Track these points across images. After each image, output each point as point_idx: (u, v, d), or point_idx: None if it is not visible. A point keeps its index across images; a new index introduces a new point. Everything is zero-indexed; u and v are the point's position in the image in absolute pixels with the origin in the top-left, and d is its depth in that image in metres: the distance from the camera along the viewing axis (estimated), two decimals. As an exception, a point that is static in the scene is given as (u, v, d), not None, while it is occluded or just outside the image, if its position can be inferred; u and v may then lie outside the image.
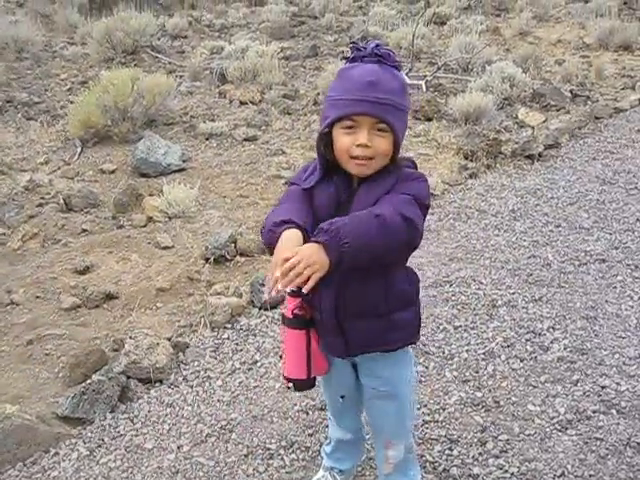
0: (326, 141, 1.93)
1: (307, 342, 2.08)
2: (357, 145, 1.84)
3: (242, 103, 7.71)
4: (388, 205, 1.84)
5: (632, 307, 3.75)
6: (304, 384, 2.15)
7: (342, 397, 2.30)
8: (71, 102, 7.41)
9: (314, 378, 2.16)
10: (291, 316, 2.07)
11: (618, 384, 3.09)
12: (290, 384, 2.16)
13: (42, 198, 5.17)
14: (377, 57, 1.86)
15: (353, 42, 1.94)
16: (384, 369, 2.14)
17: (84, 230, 4.72)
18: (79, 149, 6.24)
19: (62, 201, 5.08)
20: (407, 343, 2.12)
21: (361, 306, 1.99)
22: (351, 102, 1.83)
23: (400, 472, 2.31)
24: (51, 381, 3.18)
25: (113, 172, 5.78)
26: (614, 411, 2.92)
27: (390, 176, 1.93)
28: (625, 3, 14.78)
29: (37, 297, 3.85)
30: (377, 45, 1.88)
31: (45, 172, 5.75)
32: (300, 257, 1.72)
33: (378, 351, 2.08)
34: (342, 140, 1.87)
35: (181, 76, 8.92)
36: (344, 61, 1.95)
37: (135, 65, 8.82)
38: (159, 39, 10.59)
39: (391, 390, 2.18)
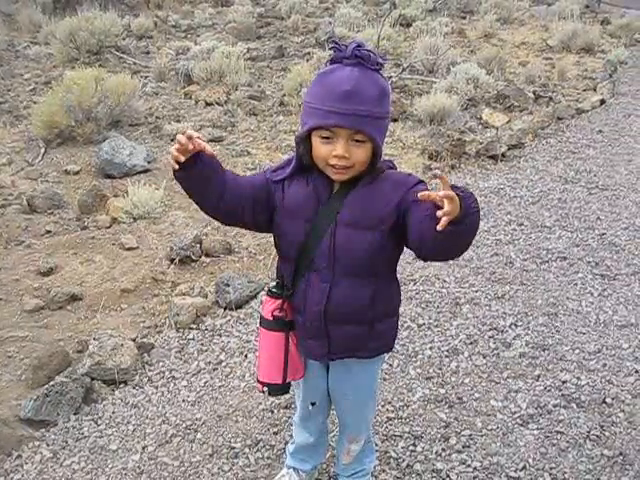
0: (305, 144, 1.89)
1: (286, 345, 2.08)
2: (334, 155, 1.82)
3: (208, 104, 7.69)
4: None
5: (592, 303, 3.83)
6: (279, 389, 2.16)
7: (313, 404, 2.31)
8: (34, 102, 7.33)
9: (289, 383, 2.17)
10: (270, 318, 2.06)
11: (578, 379, 3.15)
12: (265, 388, 2.15)
13: (5, 199, 5.10)
14: (357, 59, 1.79)
15: (335, 42, 1.85)
16: (356, 375, 2.17)
17: (48, 231, 4.67)
18: (42, 150, 6.17)
19: (25, 202, 5.02)
20: (383, 351, 2.15)
21: (348, 311, 1.98)
22: (327, 113, 1.78)
23: (357, 460, 2.42)
24: (13, 384, 3.15)
25: (77, 173, 5.72)
26: (574, 405, 2.98)
27: (382, 182, 1.92)
28: (587, 7, 15.05)
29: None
30: (358, 46, 1.80)
31: (8, 173, 5.67)
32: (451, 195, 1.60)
33: (356, 357, 2.09)
34: (319, 149, 1.84)
35: (146, 77, 8.86)
36: (326, 62, 1.88)
37: (99, 65, 8.71)
38: (124, 39, 10.50)
39: (359, 394, 2.23)
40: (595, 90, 9.00)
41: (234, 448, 2.75)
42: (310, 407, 2.31)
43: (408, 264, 4.21)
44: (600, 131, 7.27)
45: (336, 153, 1.81)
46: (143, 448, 2.78)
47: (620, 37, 12.25)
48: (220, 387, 3.15)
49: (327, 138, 1.82)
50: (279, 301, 2.05)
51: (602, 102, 8.42)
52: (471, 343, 3.44)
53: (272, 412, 2.95)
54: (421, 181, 1.95)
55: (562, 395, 3.04)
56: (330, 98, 1.78)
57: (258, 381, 2.18)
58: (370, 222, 1.90)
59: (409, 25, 12.79)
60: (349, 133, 1.80)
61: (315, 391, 2.28)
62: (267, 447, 2.75)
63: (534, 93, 8.57)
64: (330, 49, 1.85)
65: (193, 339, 3.53)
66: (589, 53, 11.25)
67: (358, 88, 1.77)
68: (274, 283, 2.10)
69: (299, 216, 1.96)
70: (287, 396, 2.91)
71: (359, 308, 1.99)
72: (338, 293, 1.96)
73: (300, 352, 2.14)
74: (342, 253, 1.93)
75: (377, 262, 1.97)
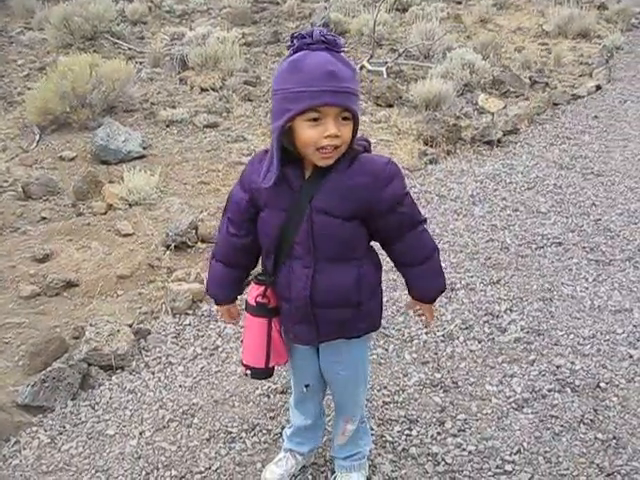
0: (287, 134, 1.86)
1: (268, 330, 2.11)
2: (326, 136, 1.81)
3: (203, 90, 7.65)
4: (410, 233, 2.02)
5: (587, 288, 3.85)
6: (262, 372, 2.20)
7: (306, 386, 2.33)
8: (29, 88, 7.28)
9: (272, 367, 2.20)
10: (254, 303, 2.10)
11: (573, 363, 3.17)
12: (248, 371, 2.20)
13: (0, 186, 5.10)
14: (324, 44, 1.81)
15: (296, 32, 1.87)
16: (346, 354, 2.19)
17: (43, 218, 4.66)
18: (37, 136, 6.14)
19: (20, 189, 5.01)
20: (371, 330, 2.16)
21: (335, 296, 2.00)
22: (316, 93, 1.77)
23: (352, 442, 2.44)
24: (11, 370, 3.15)
25: (72, 159, 5.70)
26: (568, 389, 3.00)
27: (356, 171, 1.91)
28: (583, -9, 14.99)
29: (-5, 286, 3.81)
30: (321, 32, 1.82)
31: (2, 160, 5.65)
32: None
33: (344, 338, 2.11)
34: (308, 133, 1.81)
35: (141, 62, 8.81)
36: (290, 51, 1.87)
37: (94, 51, 8.66)
38: (118, 25, 10.41)
39: (351, 373, 2.24)
40: (591, 76, 9.00)
41: (231, 433, 2.77)
42: (304, 389, 2.33)
43: (404, 250, 4.21)
44: (596, 117, 7.28)
45: (329, 133, 1.80)
46: (140, 433, 2.79)
47: (616, 22, 12.23)
48: (217, 372, 3.16)
49: (315, 120, 1.81)
50: (262, 287, 2.08)
51: (598, 88, 8.42)
52: (466, 328, 3.46)
53: (269, 397, 2.97)
54: (395, 174, 1.96)
55: (556, 379, 3.06)
56: (316, 79, 1.77)
57: (242, 363, 2.23)
58: (343, 213, 1.92)
59: (405, 10, 12.75)
60: (337, 111, 1.81)
61: (307, 373, 2.31)
62: (264, 432, 2.77)
63: (530, 79, 8.57)
64: (294, 38, 1.84)
65: (189, 325, 3.54)
66: (585, 38, 11.24)
67: (338, 67, 1.80)
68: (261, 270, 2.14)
69: (274, 206, 1.97)
70: (283, 381, 2.95)
71: (345, 291, 2.01)
72: (322, 279, 1.98)
73: (288, 338, 2.17)
74: (321, 239, 1.95)
75: (358, 245, 2.00)
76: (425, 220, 2.07)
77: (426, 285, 2.12)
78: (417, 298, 2.16)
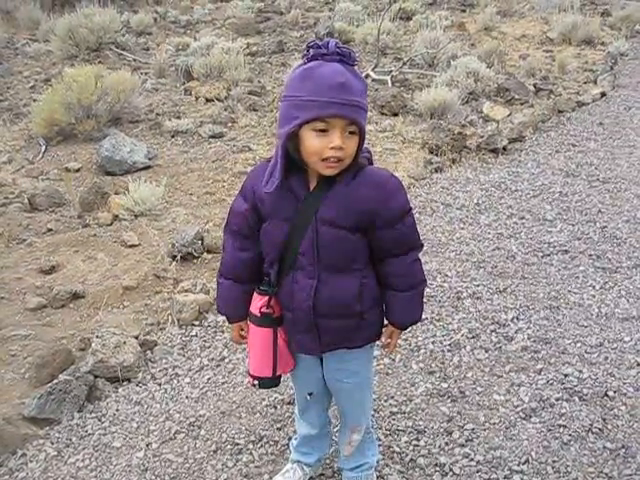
0: (293, 141, 1.86)
1: (274, 340, 2.12)
2: (331, 147, 1.81)
3: (208, 100, 7.68)
4: (402, 253, 2.01)
5: (594, 296, 3.83)
6: (269, 382, 2.20)
7: (310, 394, 2.33)
8: (34, 100, 7.33)
9: (279, 376, 2.21)
10: (258, 314, 2.09)
11: (580, 372, 3.15)
12: (255, 382, 2.20)
13: (5, 198, 5.11)
14: (339, 56, 1.82)
15: (312, 41, 1.88)
16: (349, 363, 2.19)
17: (49, 229, 4.67)
18: (43, 147, 6.17)
19: (26, 200, 5.02)
20: (373, 340, 2.17)
21: (337, 306, 2.01)
22: (325, 104, 1.77)
23: (359, 452, 2.43)
24: (17, 382, 3.15)
25: (78, 170, 5.72)
26: (576, 398, 2.98)
27: (360, 183, 1.92)
28: (587, -2, 15.00)
29: (2, 298, 3.81)
30: (337, 44, 1.84)
31: (8, 171, 5.68)
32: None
33: (347, 347, 2.12)
34: (313, 142, 1.82)
35: (146, 73, 8.86)
36: (304, 59, 1.87)
37: (99, 62, 8.74)
38: (123, 36, 10.47)
39: (355, 381, 2.24)
40: (596, 83, 8.99)
41: (238, 444, 2.76)
42: (308, 397, 2.34)
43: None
44: (601, 124, 7.27)
45: (334, 145, 1.80)
46: (147, 445, 2.78)
47: (620, 29, 12.22)
48: (223, 383, 3.16)
49: (322, 131, 1.81)
50: (266, 298, 2.07)
51: (603, 95, 8.42)
52: (473, 337, 3.45)
53: (275, 408, 2.96)
54: (400, 187, 1.98)
55: (564, 388, 3.05)
56: (326, 89, 1.78)
57: (249, 374, 2.23)
58: (348, 224, 1.93)
59: (409, 19, 12.78)
60: (344, 124, 1.81)
61: (310, 382, 2.31)
62: (271, 443, 2.76)
63: (534, 86, 8.57)
64: (310, 47, 1.85)
65: (196, 336, 3.53)
66: (589, 45, 11.24)
67: (350, 80, 1.80)
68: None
69: (278, 216, 1.97)
70: (290, 392, 2.94)
71: (348, 302, 2.01)
72: (325, 289, 1.98)
73: (292, 347, 2.17)
74: (325, 250, 1.95)
75: (360, 256, 2.00)
76: (422, 246, 2.09)
77: (403, 313, 2.12)
78: (390, 321, 2.16)
